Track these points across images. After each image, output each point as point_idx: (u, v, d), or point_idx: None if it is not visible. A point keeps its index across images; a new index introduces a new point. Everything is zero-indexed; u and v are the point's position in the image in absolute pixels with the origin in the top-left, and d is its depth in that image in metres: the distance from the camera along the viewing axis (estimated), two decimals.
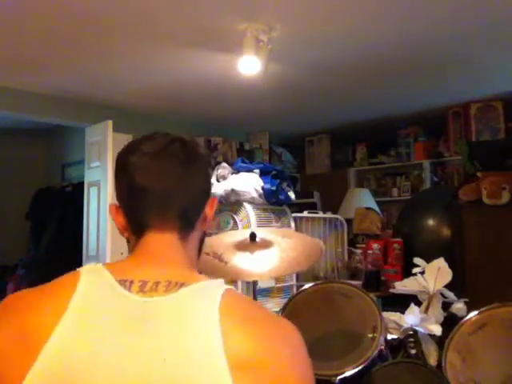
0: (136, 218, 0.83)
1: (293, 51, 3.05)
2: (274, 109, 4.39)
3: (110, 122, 3.77)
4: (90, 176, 3.99)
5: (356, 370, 1.73)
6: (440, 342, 1.86)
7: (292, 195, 3.40)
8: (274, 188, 3.23)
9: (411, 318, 1.92)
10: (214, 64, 3.19)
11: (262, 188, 3.21)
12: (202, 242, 0.91)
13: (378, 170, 5.20)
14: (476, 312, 1.79)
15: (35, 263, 4.64)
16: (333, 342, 1.88)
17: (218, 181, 3.26)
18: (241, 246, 1.85)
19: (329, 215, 3.86)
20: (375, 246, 3.67)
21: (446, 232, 3.49)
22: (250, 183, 3.20)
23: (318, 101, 4.18)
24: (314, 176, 5.39)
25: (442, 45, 3.01)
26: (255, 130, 5.16)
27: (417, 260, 2.26)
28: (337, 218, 3.87)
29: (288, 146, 5.46)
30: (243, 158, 3.56)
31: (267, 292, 3.24)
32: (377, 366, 1.80)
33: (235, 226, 3.19)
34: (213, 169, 3.32)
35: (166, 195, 0.81)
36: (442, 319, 2.05)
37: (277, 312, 2.12)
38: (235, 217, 3.21)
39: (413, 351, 1.87)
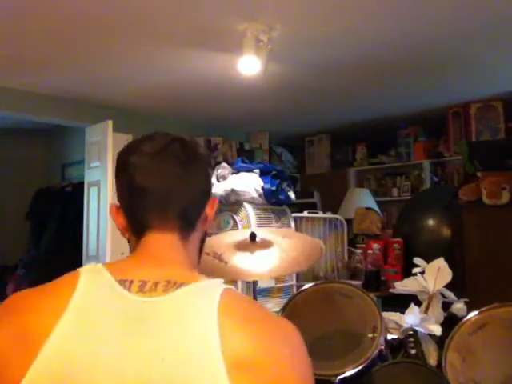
0: (136, 219, 0.83)
1: (293, 51, 3.05)
2: (273, 109, 4.39)
3: (109, 122, 3.77)
4: (89, 176, 3.99)
5: (356, 370, 1.73)
6: (440, 342, 1.86)
7: (292, 195, 3.40)
8: (274, 188, 3.23)
9: (411, 317, 1.92)
10: (213, 64, 3.19)
11: (262, 188, 3.21)
12: (202, 242, 0.91)
13: (378, 169, 5.20)
14: (476, 312, 1.79)
15: (35, 263, 4.64)
16: (333, 342, 1.88)
17: (218, 181, 3.26)
18: (241, 246, 1.85)
19: (329, 215, 3.86)
20: (375, 246, 3.68)
21: (446, 232, 3.49)
22: (250, 183, 3.20)
23: (318, 101, 4.18)
24: (314, 176, 5.39)
25: (441, 45, 3.01)
26: (255, 130, 5.16)
27: (417, 260, 2.26)
28: (337, 218, 3.87)
29: (288, 145, 5.46)
30: (243, 158, 3.57)
31: (267, 292, 3.24)
32: (377, 366, 1.80)
33: (235, 226, 3.19)
34: (213, 169, 3.32)
35: (166, 195, 0.81)
36: (442, 319, 2.05)
37: (277, 312, 2.12)
38: (235, 217, 3.21)
39: (413, 351, 1.87)
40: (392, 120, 4.70)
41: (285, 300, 2.38)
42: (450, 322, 1.97)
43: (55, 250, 4.56)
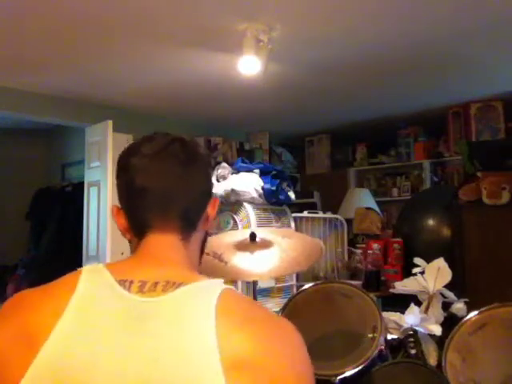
0: (137, 219, 0.83)
1: (293, 51, 3.05)
2: (273, 109, 4.39)
3: (109, 122, 3.77)
4: (89, 176, 3.99)
5: (356, 370, 1.73)
6: (440, 342, 1.86)
7: (292, 195, 3.40)
8: (274, 188, 3.23)
9: (411, 318, 1.92)
10: (213, 64, 3.19)
11: (262, 188, 3.21)
12: (204, 242, 0.91)
13: (378, 169, 5.20)
14: (476, 312, 1.79)
15: (35, 263, 4.64)
16: (333, 342, 1.88)
17: (218, 181, 3.26)
18: (241, 246, 1.85)
19: (329, 215, 3.86)
20: (375, 245, 3.68)
21: (446, 232, 3.49)
22: (250, 183, 3.20)
23: (318, 101, 4.18)
24: (314, 176, 5.39)
25: (441, 45, 3.01)
26: (255, 130, 5.16)
27: (417, 260, 2.26)
28: (337, 218, 3.87)
29: (288, 145, 5.46)
30: (243, 158, 3.57)
31: (267, 292, 3.24)
32: (377, 366, 1.80)
33: (235, 226, 3.19)
34: (213, 169, 3.32)
35: (167, 195, 0.81)
36: (442, 319, 2.05)
37: (277, 312, 2.12)
38: (235, 217, 3.21)
39: (413, 351, 1.87)
40: (392, 120, 4.70)
41: (285, 300, 2.39)
42: (450, 322, 1.97)
43: (55, 250, 4.56)
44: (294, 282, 3.39)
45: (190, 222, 0.84)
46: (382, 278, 3.50)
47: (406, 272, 2.76)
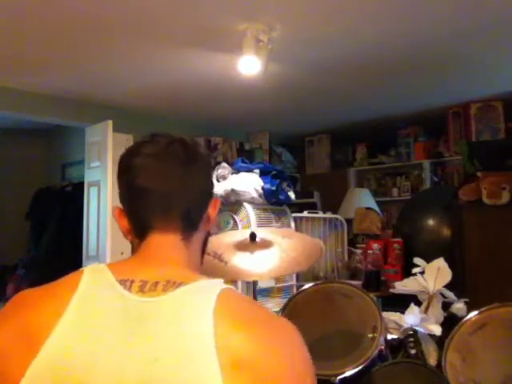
0: (139, 220, 0.83)
1: (293, 51, 3.05)
2: (273, 109, 4.39)
3: (109, 122, 3.77)
4: (90, 176, 3.99)
5: (356, 370, 1.73)
6: (440, 342, 1.86)
7: (292, 195, 3.40)
8: (274, 188, 3.23)
9: (411, 318, 1.92)
10: (213, 64, 3.19)
11: (262, 188, 3.21)
12: (205, 242, 0.91)
13: (378, 169, 5.20)
14: (476, 312, 1.79)
15: (35, 263, 4.64)
16: (333, 342, 1.88)
17: (218, 181, 3.26)
18: (241, 246, 1.85)
19: (329, 215, 3.86)
20: (375, 246, 3.68)
21: (446, 232, 3.49)
22: (250, 183, 3.20)
23: (318, 101, 4.18)
24: (314, 176, 5.39)
25: (441, 45, 3.01)
26: (255, 130, 5.16)
27: (417, 260, 2.26)
28: (337, 218, 3.87)
29: (288, 145, 5.46)
30: (243, 158, 3.57)
31: (267, 292, 3.24)
32: (377, 366, 1.80)
33: (235, 226, 3.19)
34: (213, 169, 3.32)
35: (168, 196, 0.81)
36: (442, 319, 2.05)
37: (277, 312, 2.12)
38: (235, 217, 3.21)
39: (413, 351, 1.87)
40: (392, 120, 4.70)
41: (285, 300, 2.39)
42: (450, 322, 1.97)
43: (55, 250, 4.56)
44: (294, 282, 3.39)
45: (191, 222, 0.84)
46: (382, 278, 3.50)
47: (406, 272, 2.76)
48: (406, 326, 1.92)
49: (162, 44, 2.90)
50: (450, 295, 2.13)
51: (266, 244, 1.86)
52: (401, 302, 2.13)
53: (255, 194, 3.18)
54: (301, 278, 3.46)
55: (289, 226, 3.39)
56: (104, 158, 3.76)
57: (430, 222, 3.60)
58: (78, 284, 0.75)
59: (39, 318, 0.72)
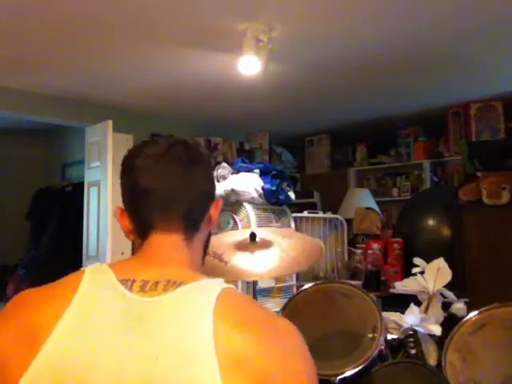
0: (141, 220, 0.84)
1: (293, 51, 3.05)
2: (273, 109, 4.39)
3: (109, 122, 3.77)
4: (90, 176, 3.99)
5: (356, 370, 1.73)
6: (440, 342, 1.86)
7: (292, 195, 3.40)
8: (274, 188, 3.23)
9: (411, 318, 1.92)
10: (213, 64, 3.19)
11: (262, 188, 3.21)
12: (207, 243, 0.92)
13: (378, 169, 5.20)
14: (476, 312, 1.79)
15: (35, 263, 4.64)
16: (333, 342, 1.88)
17: (218, 181, 3.26)
18: (241, 246, 1.85)
19: (329, 215, 3.86)
20: (375, 246, 3.68)
21: (446, 232, 3.49)
22: (250, 183, 3.20)
23: (318, 101, 4.18)
24: (314, 176, 5.39)
25: (441, 45, 3.01)
26: (255, 130, 5.16)
27: (417, 260, 2.26)
28: (337, 218, 3.87)
29: (288, 145, 5.46)
30: (243, 158, 3.57)
31: (267, 292, 3.24)
32: (377, 366, 1.80)
33: (235, 226, 3.19)
34: (213, 169, 3.32)
35: (170, 196, 0.82)
36: (441, 319, 2.05)
37: (277, 312, 2.12)
38: (235, 217, 3.21)
39: (413, 351, 1.87)
40: (392, 120, 4.70)
41: (285, 300, 2.38)
42: (450, 322, 1.97)
43: (55, 250, 4.56)
44: (294, 282, 3.39)
45: (193, 222, 0.85)
46: (382, 278, 3.50)
47: (406, 272, 2.76)
48: (405, 325, 1.92)
49: (162, 44, 2.90)
50: (450, 295, 2.13)
51: (266, 244, 1.86)
52: (401, 302, 2.13)
53: (255, 194, 3.19)
54: (301, 277, 3.46)
55: (289, 225, 3.39)
56: (104, 158, 3.76)
57: (430, 222, 3.60)
58: (78, 284, 0.75)
59: (40, 318, 0.72)
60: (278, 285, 3.27)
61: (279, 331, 0.74)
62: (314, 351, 0.75)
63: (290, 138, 5.44)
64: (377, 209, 4.42)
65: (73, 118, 4.02)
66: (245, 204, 3.20)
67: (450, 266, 2.16)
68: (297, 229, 3.45)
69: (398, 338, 1.95)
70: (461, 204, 3.34)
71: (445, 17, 2.61)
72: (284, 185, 3.35)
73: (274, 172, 3.32)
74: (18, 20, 2.56)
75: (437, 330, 1.90)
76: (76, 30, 2.69)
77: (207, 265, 1.69)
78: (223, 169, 3.31)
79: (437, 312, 2.08)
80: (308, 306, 2.03)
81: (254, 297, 2.16)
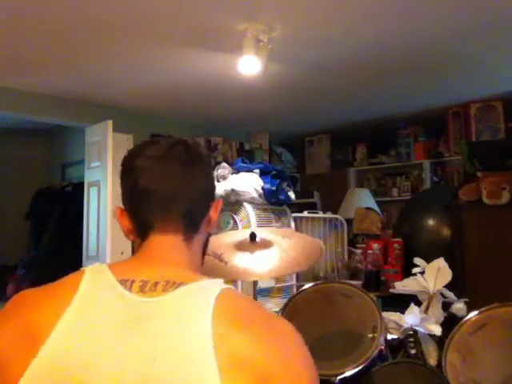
0: (141, 220, 0.84)
1: (293, 51, 3.05)
2: (273, 109, 4.39)
3: (109, 122, 3.77)
4: (90, 176, 3.99)
5: (356, 370, 1.73)
6: (440, 342, 1.86)
7: (292, 195, 3.40)
8: (274, 188, 3.23)
9: (411, 317, 1.92)
10: (213, 64, 3.19)
11: (262, 188, 3.21)
12: (206, 244, 0.92)
13: (378, 169, 5.20)
14: (476, 312, 1.79)
15: (35, 263, 4.64)
16: (333, 342, 1.88)
17: (218, 181, 3.26)
18: (241, 246, 1.85)
19: (329, 215, 3.86)
20: (375, 245, 3.68)
21: (446, 232, 3.49)
22: (250, 183, 3.20)
23: (318, 101, 4.18)
24: (314, 176, 5.39)
25: (441, 45, 3.01)
26: (255, 130, 5.16)
27: (417, 260, 2.26)
28: (337, 218, 3.87)
29: (288, 145, 5.46)
30: (243, 158, 3.57)
31: (267, 292, 3.24)
32: (377, 366, 1.80)
33: (235, 226, 3.19)
34: (213, 169, 3.32)
35: (170, 197, 0.82)
36: (442, 319, 2.05)
37: (277, 312, 2.12)
38: (235, 217, 3.21)
39: (413, 351, 1.87)
40: (392, 120, 4.70)
41: (285, 300, 2.38)
42: (450, 321, 1.97)
43: (55, 250, 4.56)
44: (294, 282, 3.39)
45: (193, 222, 0.85)
46: (382, 278, 3.50)
47: (406, 272, 2.76)
48: (405, 325, 1.92)
49: (162, 44, 2.90)
50: (450, 295, 2.13)
51: (266, 244, 1.86)
52: (401, 302, 2.13)
53: (255, 194, 3.18)
54: (301, 278, 3.46)
55: (289, 226, 3.39)
56: (104, 158, 3.76)
57: (430, 222, 3.60)
58: (78, 284, 0.75)
59: (39, 318, 0.72)
60: (278, 285, 3.27)
61: (278, 331, 0.74)
62: (313, 351, 0.75)
63: (290, 137, 5.44)
64: (377, 209, 4.42)
65: (73, 118, 4.02)
66: (245, 204, 3.20)
67: (450, 266, 2.16)
68: (297, 229, 3.45)
69: (398, 338, 1.95)
70: (461, 204, 3.34)
71: (445, 17, 2.61)
72: (284, 185, 3.35)
73: (273, 172, 3.32)
74: (17, 20, 2.56)
75: (437, 330, 1.90)
76: (76, 30, 2.69)
77: (207, 265, 1.69)
78: (223, 169, 3.31)
79: (437, 312, 2.08)
80: (308, 306, 2.03)
81: (254, 297, 2.16)
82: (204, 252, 0.91)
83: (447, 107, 4.39)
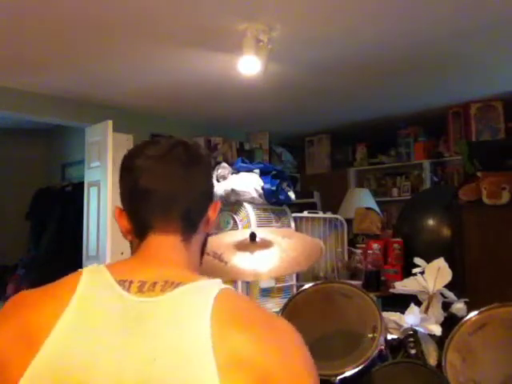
0: (139, 220, 0.83)
1: (293, 51, 3.05)
2: (273, 109, 4.39)
3: (109, 122, 3.77)
4: (90, 176, 3.99)
5: (356, 370, 1.73)
6: (440, 342, 1.86)
7: (292, 195, 3.40)
8: (274, 188, 3.23)
9: (411, 317, 1.92)
10: (213, 64, 3.19)
11: (262, 188, 3.21)
12: (204, 245, 0.92)
13: (378, 169, 5.20)
14: (476, 312, 1.79)
15: (35, 263, 4.64)
16: (333, 342, 1.88)
17: (218, 181, 3.26)
18: (241, 246, 1.85)
19: (329, 215, 3.86)
20: (375, 246, 3.68)
21: (446, 232, 3.49)
22: (250, 183, 3.20)
23: (318, 101, 4.18)
24: (314, 176, 5.39)
25: (441, 45, 3.01)
26: (255, 130, 5.16)
27: (417, 260, 2.26)
28: (337, 218, 3.87)
29: (288, 145, 5.46)
30: (243, 158, 3.57)
31: (267, 292, 3.24)
32: (377, 366, 1.80)
33: (235, 226, 3.19)
34: (213, 169, 3.32)
35: (170, 197, 0.82)
36: (442, 319, 2.05)
37: (277, 312, 2.12)
38: (235, 217, 3.21)
39: (413, 351, 1.87)
40: (392, 120, 4.70)
41: (285, 300, 2.38)
42: (450, 321, 1.97)
43: (55, 250, 4.56)
44: (294, 282, 3.39)
45: (192, 223, 0.85)
46: (382, 278, 3.50)
47: (406, 272, 2.76)
48: (405, 325, 1.92)
49: (162, 44, 2.90)
50: (450, 295, 2.13)
51: (266, 244, 1.86)
52: (401, 302, 2.13)
53: (255, 194, 3.18)
54: (301, 278, 3.46)
55: (289, 226, 3.39)
56: (104, 158, 3.76)
57: (430, 222, 3.60)
58: (77, 285, 0.75)
59: (39, 318, 0.72)
60: (278, 285, 3.27)
61: (278, 331, 0.74)
62: (313, 351, 0.75)
63: (290, 138, 5.44)
64: (377, 209, 4.42)
65: (73, 118, 4.02)
66: (245, 204, 3.20)
67: (450, 266, 2.16)
68: (297, 229, 3.45)
69: (398, 338, 1.94)
70: (461, 204, 3.34)
71: (445, 17, 2.61)
72: (284, 185, 3.35)
73: (274, 172, 3.32)
74: (17, 20, 2.56)
75: (437, 330, 1.90)
76: (76, 30, 2.69)
77: (207, 265, 1.69)
78: (223, 169, 3.31)
79: (437, 312, 2.08)
80: (308, 306, 2.03)
81: (255, 297, 2.16)
82: (202, 252, 0.91)
83: (447, 107, 4.39)
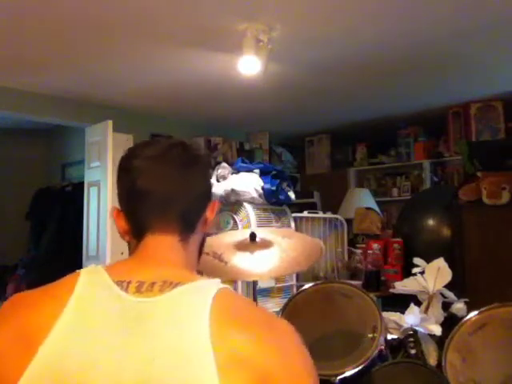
0: (137, 221, 0.83)
1: (293, 51, 3.05)
2: (273, 109, 4.39)
3: (109, 122, 3.77)
4: (90, 176, 3.99)
5: (356, 370, 1.73)
6: (440, 342, 1.86)
7: (292, 195, 3.40)
8: (274, 188, 3.23)
9: (411, 317, 1.92)
10: (213, 64, 3.19)
11: (262, 188, 3.21)
12: (202, 245, 0.92)
13: (378, 169, 5.20)
14: (476, 312, 1.79)
15: (35, 263, 4.64)
16: (333, 342, 1.88)
17: (217, 181, 3.26)
18: (241, 246, 1.85)
19: (329, 215, 3.86)
20: (375, 246, 3.68)
21: (446, 232, 3.49)
22: (250, 183, 3.20)
23: (318, 101, 4.18)
24: (314, 176, 5.38)
25: (441, 45, 3.01)
26: (255, 130, 5.16)
27: (417, 260, 2.26)
28: (337, 218, 3.87)
29: (288, 145, 5.46)
30: (243, 158, 3.57)
31: (267, 292, 3.24)
32: (377, 366, 1.80)
33: (235, 226, 3.19)
34: (213, 169, 3.32)
35: (167, 198, 0.82)
36: (442, 319, 2.05)
37: (277, 312, 2.12)
38: (235, 217, 3.21)
39: (413, 351, 1.87)
40: (392, 120, 4.70)
41: (285, 300, 2.39)
42: (450, 321, 1.97)
43: (55, 250, 4.56)
44: (294, 282, 3.39)
45: (189, 223, 0.85)
46: (382, 278, 3.50)
47: (406, 272, 2.76)
48: (405, 325, 1.92)
49: (162, 44, 2.90)
50: (450, 295, 2.13)
51: (266, 244, 1.86)
52: (401, 302, 2.13)
53: (255, 194, 3.18)
54: (301, 278, 3.46)
55: (289, 226, 3.39)
56: (104, 158, 3.76)
57: (430, 222, 3.60)
58: (75, 285, 0.75)
59: (38, 319, 0.72)
60: (278, 285, 3.27)
61: (277, 331, 0.74)
62: (313, 351, 0.75)
63: (290, 138, 5.44)
64: (377, 209, 4.42)
65: (73, 118, 4.02)
66: (245, 204, 3.20)
67: (450, 266, 2.16)
68: (297, 229, 3.45)
69: (398, 338, 1.95)
70: (461, 204, 3.34)
71: (445, 17, 2.61)
72: (284, 185, 3.35)
73: (274, 172, 3.32)
74: (18, 20, 2.56)
75: (437, 330, 1.90)
76: (76, 30, 2.69)
77: (207, 265, 1.69)
78: (223, 169, 3.31)
79: (437, 312, 2.08)
80: (308, 306, 2.03)
81: (254, 297, 2.16)
82: (200, 252, 0.91)
83: (447, 107, 4.39)
